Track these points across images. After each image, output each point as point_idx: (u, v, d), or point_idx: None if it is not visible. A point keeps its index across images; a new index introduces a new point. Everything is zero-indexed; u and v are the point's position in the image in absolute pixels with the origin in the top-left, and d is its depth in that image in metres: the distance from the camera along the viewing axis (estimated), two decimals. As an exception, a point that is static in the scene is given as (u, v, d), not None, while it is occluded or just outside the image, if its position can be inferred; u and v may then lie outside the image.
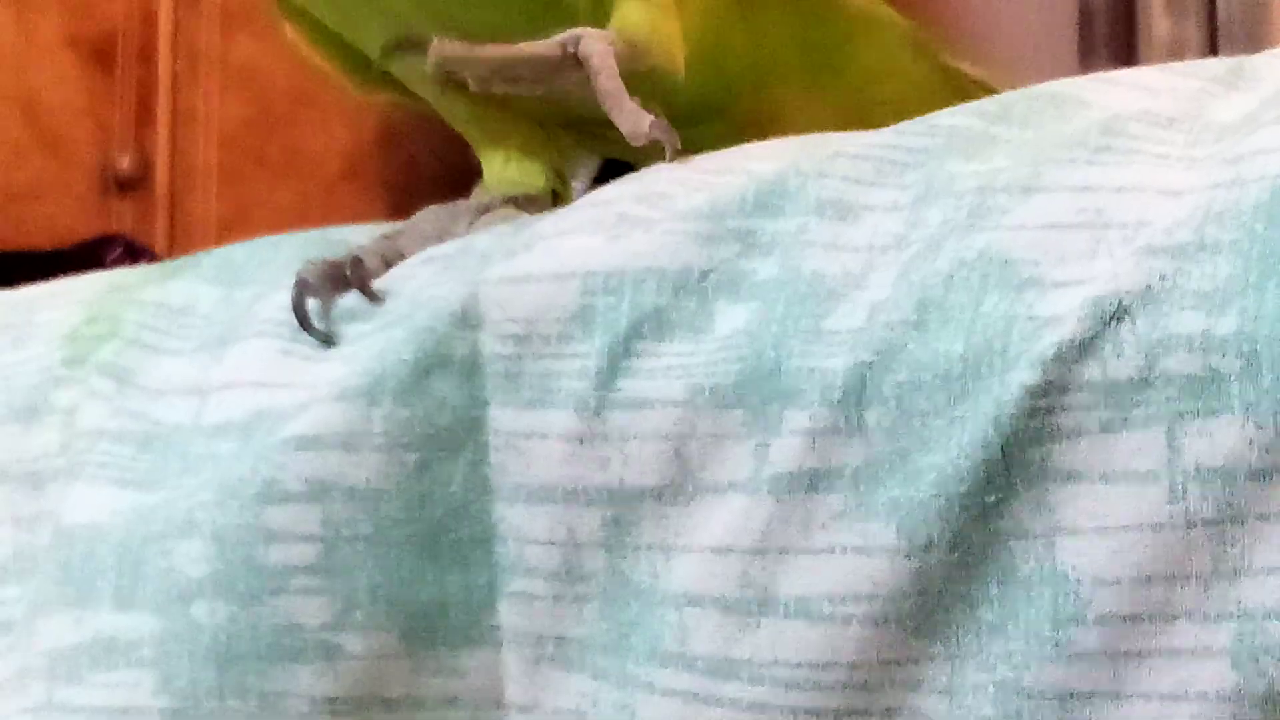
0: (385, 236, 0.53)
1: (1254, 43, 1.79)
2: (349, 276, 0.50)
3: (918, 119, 0.47)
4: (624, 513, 0.43)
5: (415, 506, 0.46)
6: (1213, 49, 1.84)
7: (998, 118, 0.46)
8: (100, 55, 1.79)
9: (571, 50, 0.50)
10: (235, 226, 1.84)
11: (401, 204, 1.90)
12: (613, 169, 0.59)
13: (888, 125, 0.62)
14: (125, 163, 1.79)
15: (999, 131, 0.45)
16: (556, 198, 0.57)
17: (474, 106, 0.57)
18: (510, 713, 0.45)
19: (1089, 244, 0.40)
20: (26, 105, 1.75)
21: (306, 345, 0.50)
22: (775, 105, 0.61)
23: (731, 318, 0.44)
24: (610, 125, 0.52)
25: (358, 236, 0.55)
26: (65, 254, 1.74)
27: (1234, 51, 1.83)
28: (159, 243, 1.80)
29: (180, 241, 1.82)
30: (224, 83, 1.81)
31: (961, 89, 0.64)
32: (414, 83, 0.58)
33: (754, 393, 0.42)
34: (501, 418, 0.45)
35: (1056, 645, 0.38)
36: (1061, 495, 0.38)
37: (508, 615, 0.45)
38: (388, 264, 0.52)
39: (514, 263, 0.47)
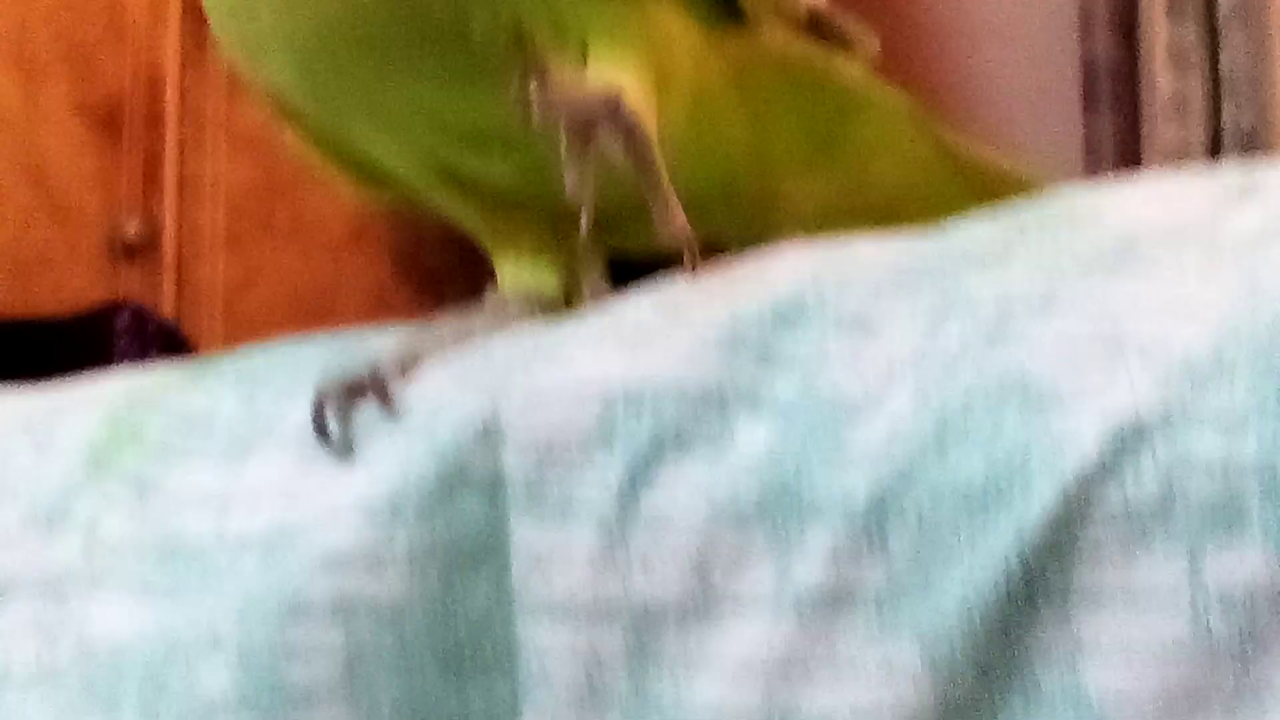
0: (402, 344, 0.53)
1: (1257, 99, 1.80)
2: (367, 387, 0.51)
3: (933, 234, 0.47)
4: (646, 629, 0.43)
5: (439, 622, 0.46)
6: (1215, 104, 1.84)
7: (1013, 228, 0.46)
8: (107, 122, 1.80)
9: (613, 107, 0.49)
10: (242, 291, 1.84)
11: (407, 268, 1.90)
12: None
13: (888, 203, 0.62)
14: (132, 229, 1.80)
15: (1015, 243, 0.45)
16: (569, 298, 0.58)
17: (486, 208, 0.58)
18: None
19: (1107, 363, 0.40)
20: (34, 172, 1.75)
21: (327, 454, 0.50)
22: (773, 185, 0.62)
23: (752, 434, 0.44)
24: (627, 220, 0.52)
25: (377, 342, 0.56)
26: (74, 321, 1.75)
27: (1237, 106, 1.83)
28: (167, 308, 1.80)
29: (188, 306, 1.83)
30: (230, 148, 1.82)
31: (962, 166, 0.64)
32: (430, 193, 0.59)
33: (776, 510, 0.42)
34: (524, 534, 0.45)
35: None
36: (1084, 616, 0.39)
37: None
38: (405, 372, 0.52)
39: (534, 376, 0.47)
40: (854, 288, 0.46)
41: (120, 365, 1.81)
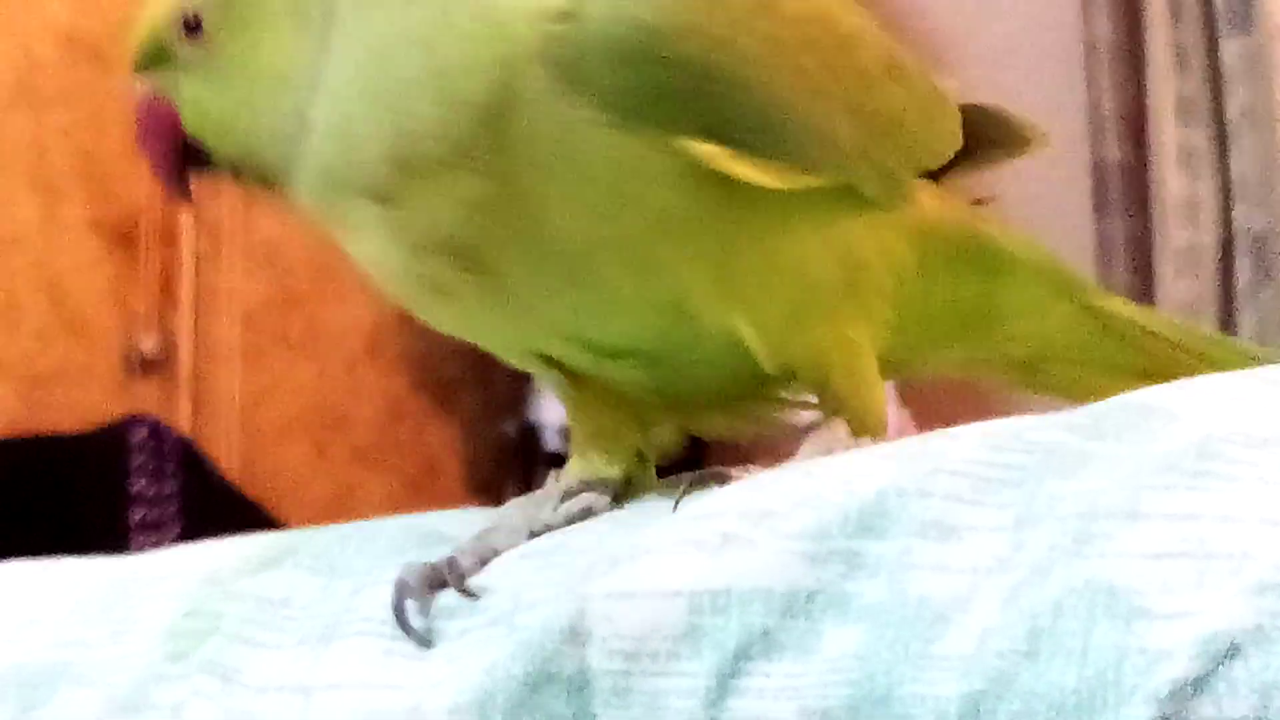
0: (478, 536, 0.53)
1: (1267, 202, 1.81)
2: (447, 578, 0.51)
3: (1012, 435, 0.47)
4: None
5: None
6: (1226, 207, 1.85)
7: (1090, 433, 0.46)
8: (123, 238, 1.81)
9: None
10: (259, 404, 1.85)
11: (422, 380, 1.91)
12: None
13: (1028, 360, 0.63)
14: (149, 344, 1.80)
15: (1093, 448, 0.46)
16: (630, 482, 0.58)
17: (580, 389, 0.58)
18: None
19: (1194, 575, 0.40)
20: (51, 288, 1.76)
21: (408, 645, 0.51)
22: (922, 351, 0.63)
23: (840, 639, 0.44)
24: (709, 408, 0.58)
25: (449, 526, 0.56)
26: (91, 436, 1.75)
27: (1248, 209, 1.84)
28: (183, 422, 1.81)
29: (204, 420, 1.83)
30: (245, 263, 1.83)
31: (1105, 327, 0.65)
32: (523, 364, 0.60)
33: (866, 717, 0.42)
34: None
35: None
36: None
37: None
38: (483, 562, 0.52)
39: (620, 576, 0.47)
40: (936, 493, 0.46)
41: (137, 480, 1.81)
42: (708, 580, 0.46)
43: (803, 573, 0.45)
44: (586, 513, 0.55)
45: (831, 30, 0.57)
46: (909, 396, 1.79)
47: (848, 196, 0.56)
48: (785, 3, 0.56)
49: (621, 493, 0.57)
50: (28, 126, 1.77)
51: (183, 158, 0.57)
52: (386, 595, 0.51)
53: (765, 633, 0.45)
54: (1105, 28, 1.99)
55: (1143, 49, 1.97)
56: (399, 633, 0.51)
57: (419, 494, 1.91)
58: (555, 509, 0.55)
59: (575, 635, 0.47)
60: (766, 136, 0.54)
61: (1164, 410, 0.47)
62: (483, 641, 0.49)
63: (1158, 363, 0.63)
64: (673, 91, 0.52)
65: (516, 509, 0.56)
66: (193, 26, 0.57)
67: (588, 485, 0.57)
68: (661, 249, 0.53)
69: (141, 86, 0.58)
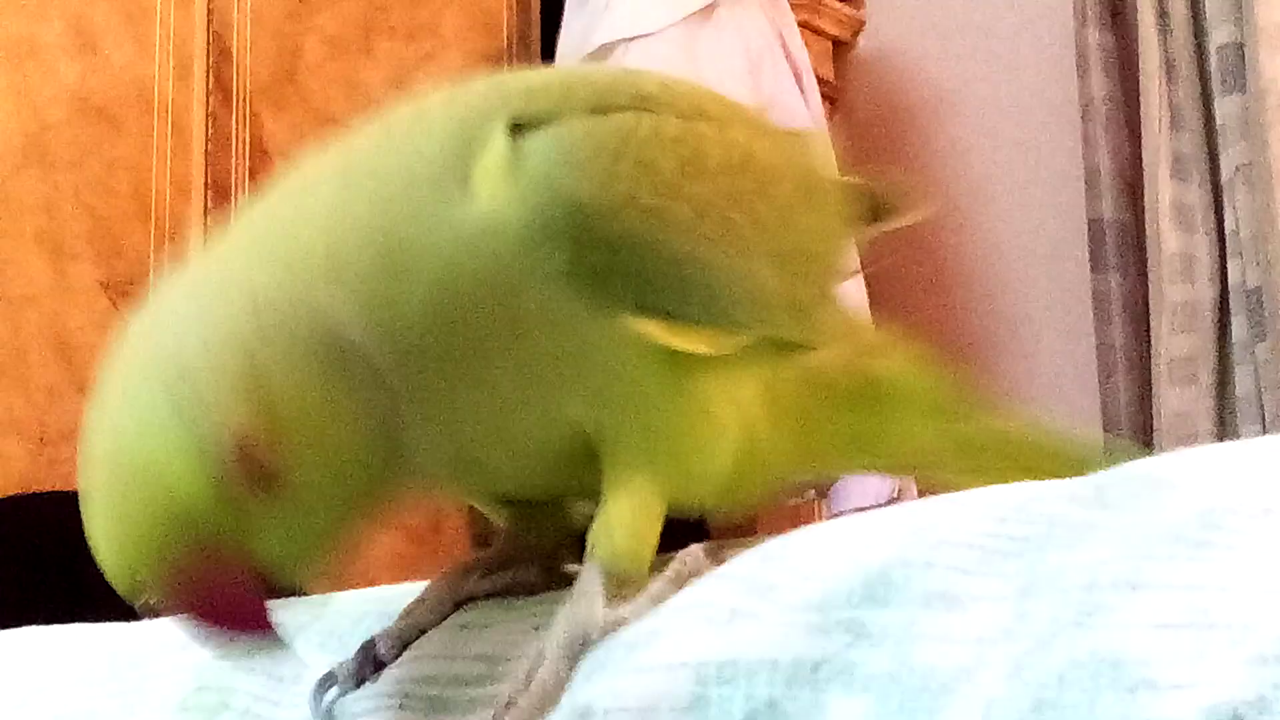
0: (404, 613, 0.55)
1: (1262, 258, 1.82)
2: (363, 668, 0.53)
3: (1016, 505, 0.49)
4: None
5: None
6: (1222, 263, 1.86)
7: (1094, 503, 0.48)
8: (133, 297, 1.82)
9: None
10: (266, 460, 1.85)
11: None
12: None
13: (919, 471, 0.64)
14: (157, 402, 1.82)
15: (1097, 519, 0.47)
16: (557, 552, 0.59)
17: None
18: None
19: (1197, 645, 0.42)
20: (61, 348, 1.77)
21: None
22: (808, 474, 0.65)
23: (845, 709, 0.45)
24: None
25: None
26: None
27: (1243, 265, 1.85)
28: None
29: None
30: (253, 320, 1.84)
31: (1004, 445, 0.66)
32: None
33: None
34: None
35: None
36: None
37: None
38: (404, 644, 0.54)
39: (626, 652, 0.49)
40: (940, 564, 0.47)
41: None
42: (714, 651, 0.47)
43: (808, 643, 0.46)
44: (514, 585, 0.57)
45: (754, 173, 0.57)
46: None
47: (765, 347, 0.57)
48: (709, 156, 0.55)
49: (550, 564, 0.58)
50: (38, 187, 1.78)
51: (260, 599, 0.49)
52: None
53: (771, 703, 0.45)
54: (1101, 87, 2.00)
55: (1138, 107, 1.98)
56: (408, 700, 0.52)
57: (423, 547, 1.91)
58: (480, 579, 0.57)
59: (584, 714, 0.47)
60: (701, 301, 0.53)
61: (1166, 480, 0.48)
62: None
63: (1022, 468, 0.63)
64: (613, 269, 0.51)
65: (442, 581, 0.56)
66: (260, 476, 0.47)
67: (515, 556, 0.58)
68: (588, 410, 0.53)
69: (190, 566, 0.47)
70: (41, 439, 1.75)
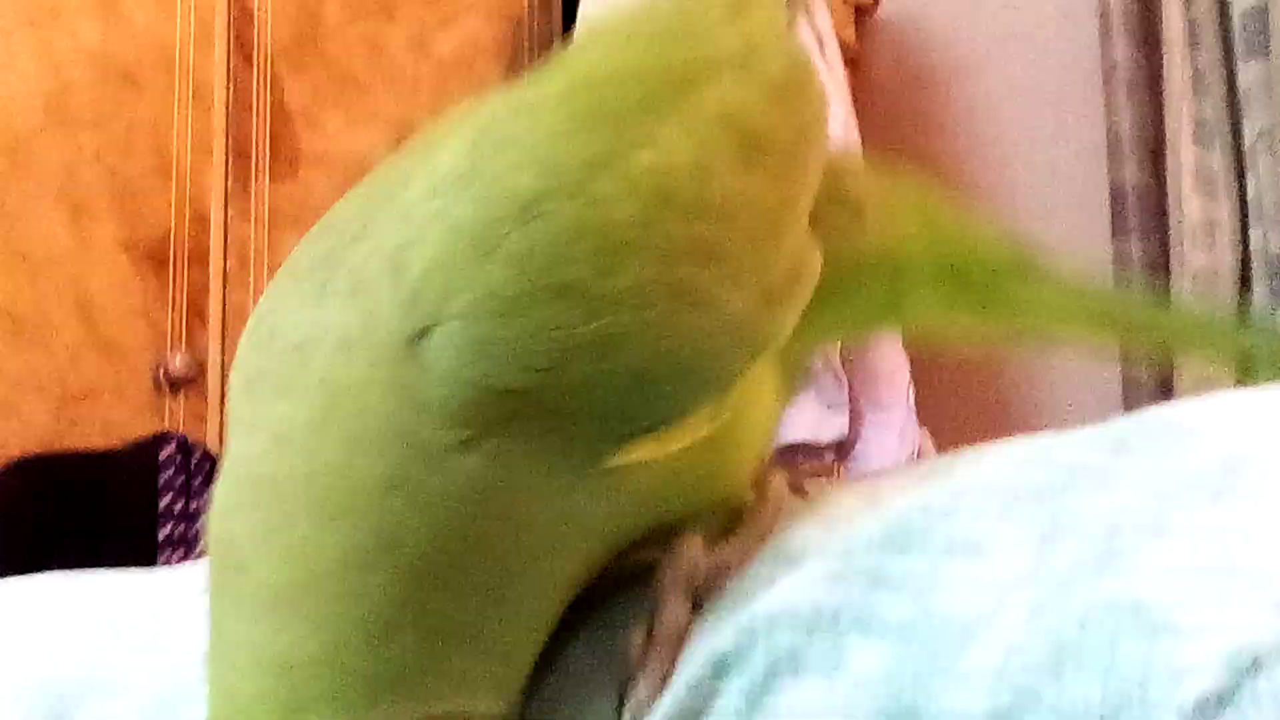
0: None
1: (1284, 223, 1.81)
2: None
3: (1037, 452, 0.49)
4: None
5: None
6: (1244, 229, 1.86)
7: (1115, 450, 0.48)
8: (153, 258, 1.83)
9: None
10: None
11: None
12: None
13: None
14: (178, 363, 1.82)
15: (1118, 465, 0.47)
16: None
17: None
18: None
19: (1219, 590, 0.42)
20: (82, 308, 1.78)
21: None
22: None
23: (865, 656, 0.45)
24: None
25: None
26: (120, 453, 1.76)
27: (1264, 231, 1.84)
28: (212, 440, 1.82)
29: (232, 438, 1.84)
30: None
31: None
32: None
33: None
34: None
35: None
36: None
37: None
38: None
39: None
40: (962, 511, 0.47)
41: (165, 496, 1.82)
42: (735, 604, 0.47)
43: (827, 591, 0.47)
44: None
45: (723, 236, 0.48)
46: (927, 415, 1.80)
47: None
48: (659, 233, 0.46)
49: None
50: (59, 147, 1.79)
51: None
52: None
53: (792, 653, 0.46)
54: (1124, 53, 2.00)
55: (1161, 73, 1.98)
56: None
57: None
58: None
59: None
60: (685, 386, 0.47)
61: (1189, 427, 0.48)
62: None
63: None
64: (564, 425, 0.45)
65: None
66: None
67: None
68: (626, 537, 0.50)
69: None
70: (62, 398, 1.75)
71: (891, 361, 1.72)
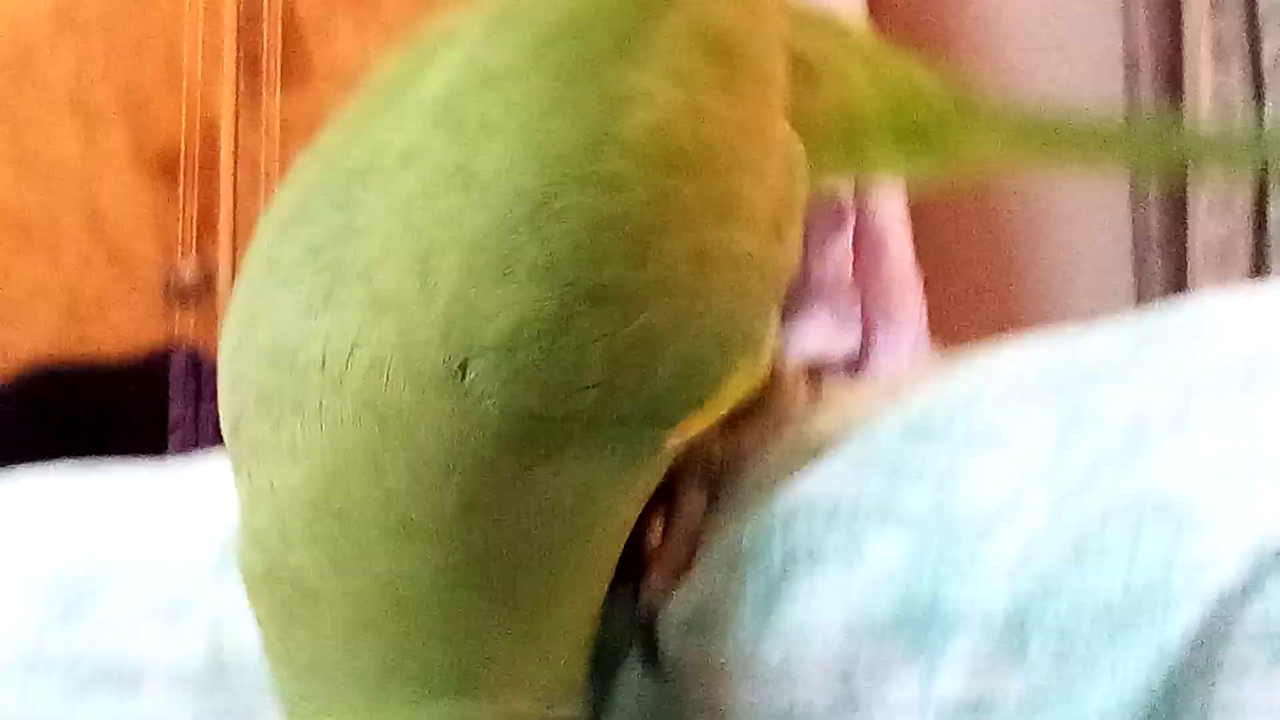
0: None
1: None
2: None
3: (1060, 346, 0.48)
4: None
5: None
6: (1258, 98, 1.85)
7: (1140, 343, 0.47)
8: (164, 168, 1.82)
9: None
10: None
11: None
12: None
13: None
14: (188, 273, 1.82)
15: (1143, 358, 0.47)
16: None
17: None
18: None
19: (1243, 483, 0.42)
20: (92, 217, 1.77)
21: None
22: None
23: (883, 547, 0.45)
24: None
25: None
26: (130, 365, 1.77)
27: (1275, 101, 1.83)
28: (221, 352, 1.82)
29: (242, 349, 1.84)
30: (284, 193, 1.83)
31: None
32: None
33: (914, 623, 0.44)
34: (670, 648, 0.47)
35: None
36: None
37: None
38: None
39: None
40: (983, 403, 0.47)
41: (175, 406, 1.81)
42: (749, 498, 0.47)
43: (845, 482, 0.46)
44: None
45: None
46: (939, 333, 1.80)
47: None
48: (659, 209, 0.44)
49: None
50: (69, 56, 1.78)
51: None
52: None
53: (810, 547, 0.46)
54: (1142, -32, 1.98)
55: (1180, -9, 1.96)
56: None
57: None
58: None
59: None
60: (721, 349, 0.45)
61: (1213, 322, 0.47)
62: None
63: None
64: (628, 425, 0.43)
65: None
66: None
67: None
68: None
69: None
70: (71, 308, 1.75)
71: (904, 277, 1.71)
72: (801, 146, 0.51)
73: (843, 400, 0.51)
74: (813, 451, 0.48)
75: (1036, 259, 2.01)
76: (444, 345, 0.41)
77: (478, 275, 0.41)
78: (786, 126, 0.51)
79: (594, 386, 0.42)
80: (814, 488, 0.47)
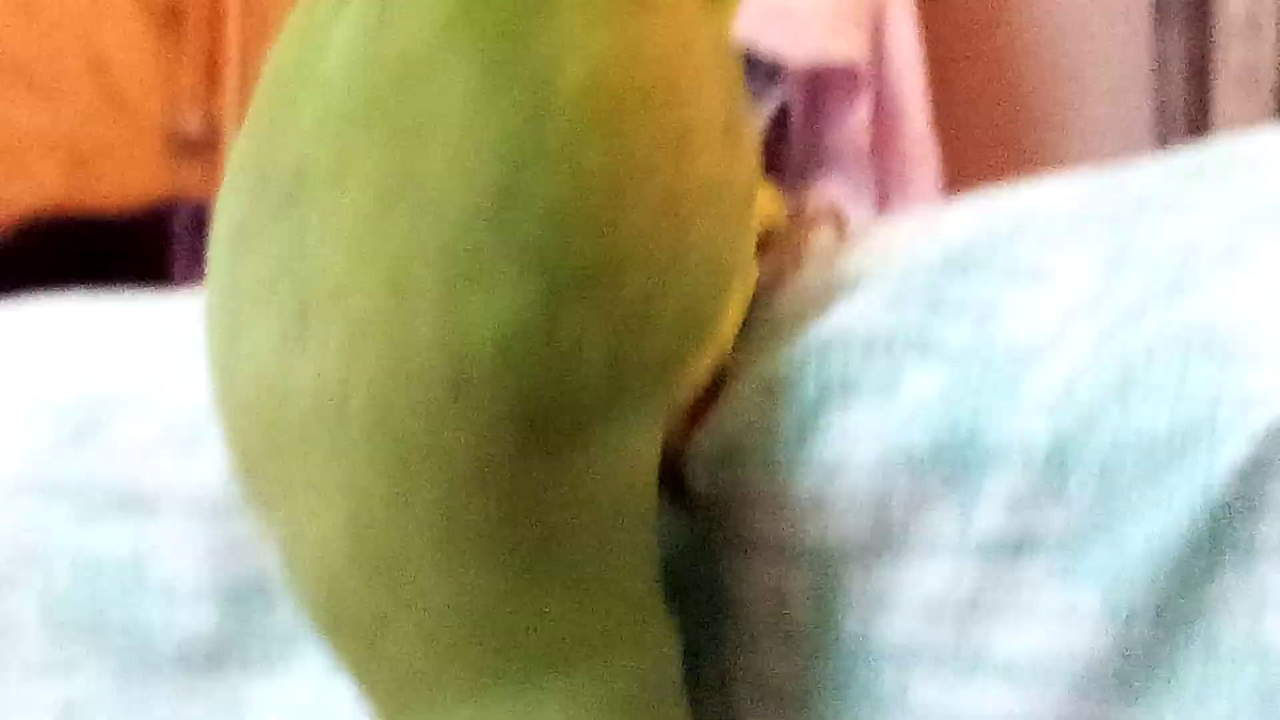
0: None
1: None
2: None
3: (1106, 180, 0.47)
4: (828, 567, 0.44)
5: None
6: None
7: (1189, 177, 0.46)
8: (170, 17, 1.80)
9: None
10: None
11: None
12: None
13: None
14: (193, 124, 1.80)
15: (1192, 192, 0.45)
16: None
17: None
18: None
19: None
20: (97, 66, 1.75)
21: None
22: None
23: (921, 381, 0.44)
24: None
25: None
26: (133, 218, 1.75)
27: None
28: (226, 205, 1.80)
29: (247, 204, 1.82)
30: (292, 45, 1.81)
31: None
32: None
33: (952, 457, 0.43)
34: (700, 483, 0.46)
35: (1263, 718, 0.39)
36: (1269, 569, 0.39)
37: (730, 663, 0.46)
38: None
39: None
40: (1027, 236, 0.46)
41: (179, 261, 1.80)
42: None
43: (883, 316, 0.45)
44: None
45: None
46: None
47: None
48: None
49: None
50: (74, -101, 1.75)
51: None
52: None
53: (844, 378, 0.45)
54: None
55: None
56: None
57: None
58: None
59: None
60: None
61: (1264, 157, 0.46)
62: None
63: None
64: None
65: None
66: None
67: None
68: None
69: None
70: (74, 156, 1.73)
71: (921, 148, 1.70)
72: (721, 20, 0.47)
73: (875, 235, 0.50)
74: (847, 284, 0.47)
75: (1063, 128, 1.99)
76: (437, 366, 0.39)
77: (453, 286, 0.39)
78: (701, 12, 0.46)
79: (598, 363, 0.40)
80: (850, 319, 0.46)
